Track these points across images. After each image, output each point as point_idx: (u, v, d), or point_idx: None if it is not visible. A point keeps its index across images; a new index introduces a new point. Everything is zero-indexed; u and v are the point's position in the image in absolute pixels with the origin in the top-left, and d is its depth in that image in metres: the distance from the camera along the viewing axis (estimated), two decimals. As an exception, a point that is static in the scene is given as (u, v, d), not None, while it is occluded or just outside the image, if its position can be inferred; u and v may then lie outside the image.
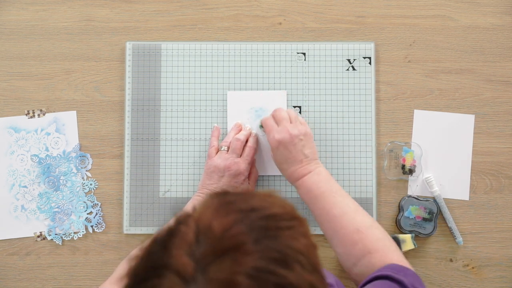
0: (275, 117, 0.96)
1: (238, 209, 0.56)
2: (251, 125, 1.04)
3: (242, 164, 0.97)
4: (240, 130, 1.03)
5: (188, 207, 0.94)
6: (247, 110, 1.05)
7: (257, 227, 0.55)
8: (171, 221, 0.57)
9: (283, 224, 0.57)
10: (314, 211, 0.89)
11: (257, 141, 1.02)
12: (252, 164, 1.01)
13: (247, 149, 1.00)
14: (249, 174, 1.01)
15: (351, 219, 0.85)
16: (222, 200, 0.58)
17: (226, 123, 1.05)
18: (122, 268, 0.91)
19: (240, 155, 0.99)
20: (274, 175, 1.04)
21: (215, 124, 1.05)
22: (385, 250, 0.82)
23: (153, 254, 0.54)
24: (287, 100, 1.06)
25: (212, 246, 0.52)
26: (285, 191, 1.04)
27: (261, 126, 1.00)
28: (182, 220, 0.56)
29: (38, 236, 1.05)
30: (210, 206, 0.57)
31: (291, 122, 0.94)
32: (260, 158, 1.04)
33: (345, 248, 0.84)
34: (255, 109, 1.05)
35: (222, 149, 1.00)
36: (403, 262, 0.81)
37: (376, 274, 0.76)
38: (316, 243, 0.61)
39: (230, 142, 1.00)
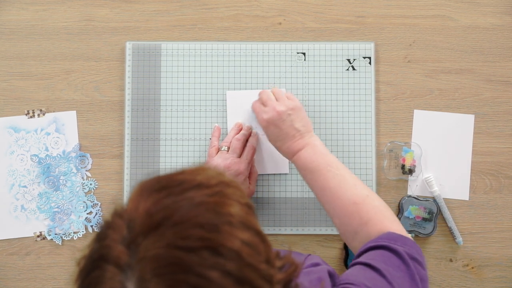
0: (261, 99, 0.96)
1: (164, 186, 0.57)
2: (252, 124, 1.04)
3: (242, 163, 0.97)
4: (241, 130, 1.03)
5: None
6: (247, 109, 1.05)
7: (181, 199, 0.55)
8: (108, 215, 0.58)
9: (208, 191, 0.56)
10: (311, 185, 0.88)
11: (257, 141, 1.02)
12: (252, 163, 1.01)
13: (247, 149, 1.00)
14: (250, 174, 1.01)
15: (347, 191, 0.84)
16: (151, 183, 0.58)
17: (226, 123, 1.05)
18: None
19: (240, 155, 0.99)
20: (274, 174, 1.04)
21: (216, 124, 1.05)
22: (381, 219, 0.80)
23: (93, 249, 0.55)
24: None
25: (140, 227, 0.53)
26: (288, 191, 1.04)
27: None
28: (115, 212, 0.57)
29: (38, 236, 1.05)
30: (138, 190, 0.58)
31: (277, 100, 0.94)
32: (260, 158, 1.04)
33: (343, 220, 0.83)
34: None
35: (223, 149, 1.00)
36: (400, 230, 0.79)
37: (372, 244, 0.75)
38: (251, 203, 0.60)
39: (230, 142, 1.00)
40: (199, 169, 0.60)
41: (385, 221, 0.80)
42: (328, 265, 0.82)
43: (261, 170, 1.04)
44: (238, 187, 0.60)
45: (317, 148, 0.89)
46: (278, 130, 0.91)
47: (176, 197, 0.55)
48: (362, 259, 0.73)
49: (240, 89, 1.06)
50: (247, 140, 1.01)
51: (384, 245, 0.74)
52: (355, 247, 0.82)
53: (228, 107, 1.06)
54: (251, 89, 1.06)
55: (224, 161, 0.97)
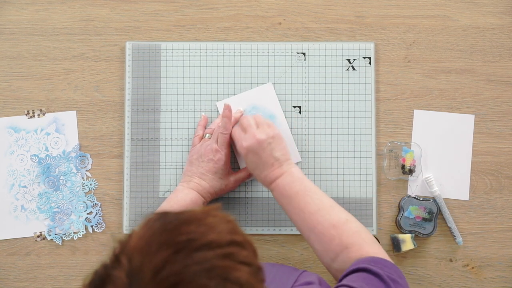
0: (241, 124, 0.95)
1: (171, 242, 0.54)
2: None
3: (219, 150, 0.96)
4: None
5: (165, 206, 0.94)
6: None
7: (191, 263, 0.52)
8: (106, 257, 0.55)
9: (219, 252, 0.54)
10: (289, 211, 0.88)
11: (230, 125, 0.97)
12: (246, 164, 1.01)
13: (219, 136, 0.97)
14: (239, 171, 1.01)
15: (327, 215, 0.84)
16: (156, 229, 0.56)
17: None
18: None
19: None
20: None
21: (203, 114, 1.05)
22: (361, 244, 0.81)
23: None
24: (287, 100, 1.06)
25: None
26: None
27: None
28: (115, 260, 0.54)
29: (38, 236, 1.05)
30: (144, 236, 0.55)
31: (257, 127, 0.93)
32: None
33: (323, 245, 0.83)
34: (248, 109, 1.05)
35: (206, 136, 1.00)
36: (381, 254, 0.80)
37: (353, 267, 0.76)
38: (261, 265, 0.58)
39: (214, 129, 1.00)
40: (211, 222, 0.57)
41: (364, 245, 0.81)
42: (323, 284, 0.82)
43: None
44: (249, 247, 0.58)
45: (294, 175, 0.89)
46: (257, 158, 0.90)
47: (185, 259, 0.53)
48: (344, 282, 0.74)
49: (240, 89, 1.06)
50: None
51: (365, 267, 0.75)
52: (334, 270, 0.82)
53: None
54: (251, 89, 1.06)
55: (204, 148, 0.97)
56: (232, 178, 0.99)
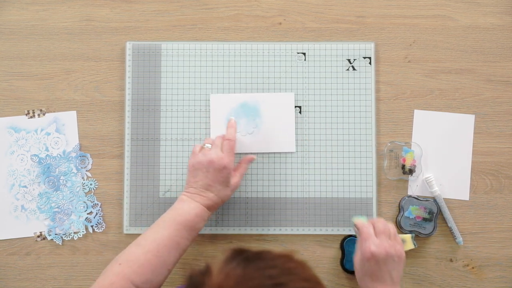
0: (375, 227, 0.92)
1: (258, 285, 0.55)
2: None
3: (225, 158, 0.94)
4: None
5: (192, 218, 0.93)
6: (229, 112, 1.05)
7: None
8: None
9: None
10: None
11: (234, 133, 0.99)
12: (245, 161, 1.01)
13: (224, 143, 0.97)
14: (237, 166, 1.00)
15: None
16: (241, 270, 0.56)
17: (210, 128, 1.05)
18: (106, 276, 0.88)
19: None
20: (279, 153, 1.04)
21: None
22: None
23: None
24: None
25: None
26: (288, 191, 1.04)
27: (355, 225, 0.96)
28: None
29: (38, 236, 1.05)
30: (231, 275, 0.55)
31: (390, 239, 0.91)
32: (261, 138, 1.04)
33: None
34: (236, 107, 1.05)
35: (206, 146, 0.97)
36: None
37: None
38: None
39: (213, 140, 0.99)
40: (293, 264, 0.59)
41: None
42: None
43: (266, 149, 1.04)
44: None
45: None
46: (376, 269, 0.88)
47: None
48: None
49: (240, 89, 1.06)
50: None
51: None
52: None
53: (212, 111, 1.05)
54: (251, 89, 1.06)
55: (207, 157, 0.94)
56: (237, 179, 0.97)
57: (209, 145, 0.97)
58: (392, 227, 0.92)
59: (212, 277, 0.55)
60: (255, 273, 0.56)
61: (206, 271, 0.56)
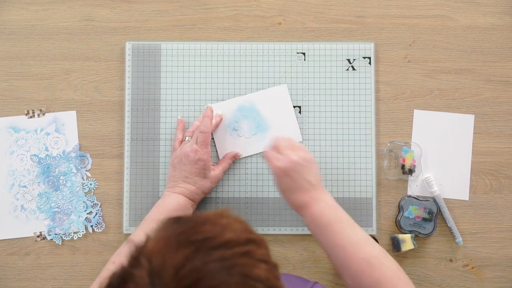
0: (274, 146, 0.92)
1: (189, 240, 0.55)
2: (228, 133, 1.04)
3: (199, 150, 0.96)
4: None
5: (140, 234, 0.92)
6: (230, 114, 1.05)
7: (211, 260, 0.54)
8: (124, 259, 0.56)
9: (238, 250, 0.56)
10: (321, 241, 0.86)
11: (210, 123, 0.99)
12: (228, 156, 1.02)
13: (198, 135, 0.97)
14: (220, 162, 1.02)
15: (361, 249, 0.82)
16: (173, 230, 0.57)
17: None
18: (104, 275, 0.90)
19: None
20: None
21: (179, 117, 1.05)
22: (395, 281, 0.79)
23: None
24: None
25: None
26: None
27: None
28: (134, 261, 0.55)
29: (38, 236, 1.05)
30: (162, 238, 0.56)
31: (291, 150, 0.91)
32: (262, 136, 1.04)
33: (355, 280, 0.81)
34: (236, 108, 1.05)
35: (186, 139, 1.00)
36: None
37: None
38: (276, 262, 0.60)
39: (193, 132, 1.00)
40: (225, 223, 0.58)
41: (399, 283, 0.79)
42: None
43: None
44: (264, 245, 0.59)
45: (328, 203, 0.87)
46: (290, 180, 0.88)
47: (205, 256, 0.54)
48: None
49: (239, 89, 1.06)
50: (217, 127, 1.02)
51: None
52: None
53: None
54: (251, 89, 1.06)
55: (184, 150, 0.97)
56: (217, 172, 1.00)
57: (189, 138, 1.00)
58: (291, 139, 0.92)
59: (147, 245, 0.56)
60: (183, 231, 0.57)
61: (144, 241, 0.58)
